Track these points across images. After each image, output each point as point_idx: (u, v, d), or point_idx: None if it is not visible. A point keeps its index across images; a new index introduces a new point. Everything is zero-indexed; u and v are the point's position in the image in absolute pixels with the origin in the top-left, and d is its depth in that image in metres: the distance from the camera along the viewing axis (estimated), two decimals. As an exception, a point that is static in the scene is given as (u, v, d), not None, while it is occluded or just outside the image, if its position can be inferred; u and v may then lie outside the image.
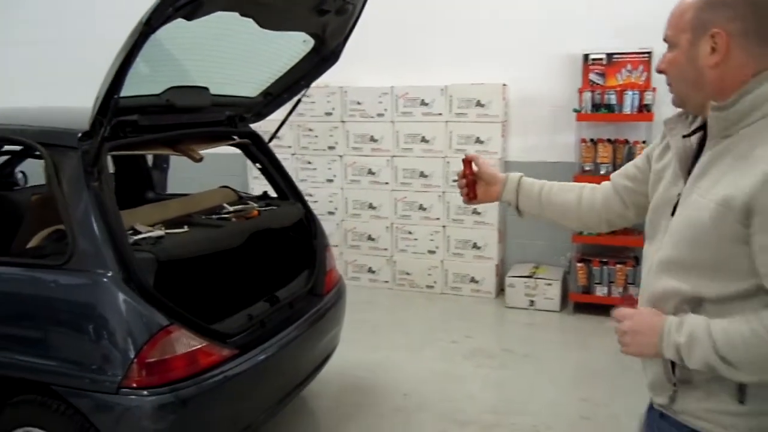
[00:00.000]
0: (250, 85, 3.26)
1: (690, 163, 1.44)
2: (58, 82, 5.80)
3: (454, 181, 1.87)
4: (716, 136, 1.37)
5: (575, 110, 4.96)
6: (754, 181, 1.25)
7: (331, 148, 5.70)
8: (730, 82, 1.33)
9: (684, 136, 1.47)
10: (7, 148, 3.89)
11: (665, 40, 1.45)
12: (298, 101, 3.47)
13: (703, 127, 1.43)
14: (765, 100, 1.31)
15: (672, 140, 1.50)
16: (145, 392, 2.29)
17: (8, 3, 6.83)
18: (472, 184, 1.85)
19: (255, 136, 3.43)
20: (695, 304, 1.36)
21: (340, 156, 5.69)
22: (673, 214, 1.44)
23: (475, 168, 1.84)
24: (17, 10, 6.78)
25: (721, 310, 1.33)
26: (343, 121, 5.62)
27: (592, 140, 5.00)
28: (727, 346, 1.28)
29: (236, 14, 2.62)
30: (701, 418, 1.40)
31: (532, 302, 5.16)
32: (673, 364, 1.40)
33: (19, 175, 4.22)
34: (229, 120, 3.25)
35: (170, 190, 4.10)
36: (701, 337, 1.30)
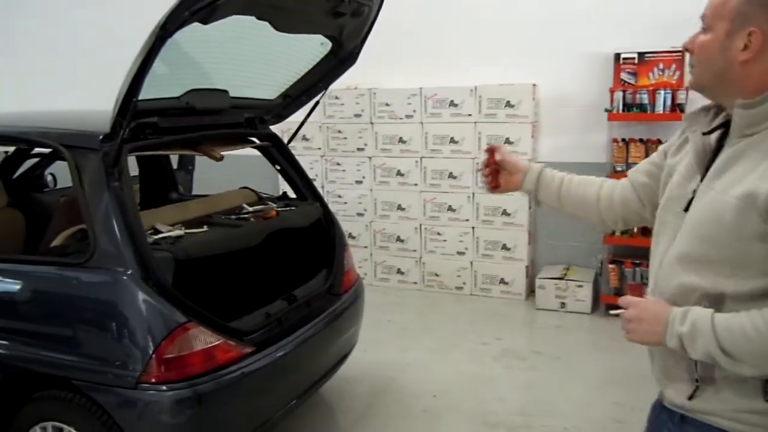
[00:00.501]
0: (268, 87, 3.31)
1: (708, 159, 1.43)
2: (80, 86, 5.97)
3: (479, 170, 1.91)
4: (739, 134, 1.37)
5: (607, 110, 4.88)
6: None
7: (360, 149, 5.74)
8: (755, 82, 1.33)
9: (704, 133, 1.45)
10: (36, 151, 4.02)
11: (702, 18, 1.41)
12: (317, 103, 3.50)
13: (723, 125, 1.42)
14: None
15: (691, 136, 1.49)
16: (164, 387, 2.34)
17: (29, 10, 7.06)
18: (495, 173, 1.87)
19: (274, 138, 3.48)
20: (716, 300, 1.35)
21: (369, 157, 5.71)
22: (686, 209, 1.43)
23: (498, 157, 1.85)
24: (33, 17, 7.00)
25: (741, 308, 1.31)
26: (372, 123, 5.65)
27: (623, 140, 4.91)
28: (729, 338, 1.28)
29: (252, 18, 2.67)
30: (723, 417, 1.39)
31: (562, 304, 5.10)
32: (695, 361, 1.39)
33: (49, 177, 4.35)
34: (248, 122, 3.30)
35: (201, 191, 4.17)
36: (704, 329, 1.31)
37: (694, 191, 1.42)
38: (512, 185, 1.87)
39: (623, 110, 4.82)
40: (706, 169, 1.42)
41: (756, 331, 1.26)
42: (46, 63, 6.88)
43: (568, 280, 5.11)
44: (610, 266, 4.92)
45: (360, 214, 5.81)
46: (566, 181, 1.81)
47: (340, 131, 5.78)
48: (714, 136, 1.44)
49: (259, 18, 2.69)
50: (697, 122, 1.48)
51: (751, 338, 1.27)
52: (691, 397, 1.43)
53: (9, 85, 6.74)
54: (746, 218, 1.28)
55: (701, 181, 1.42)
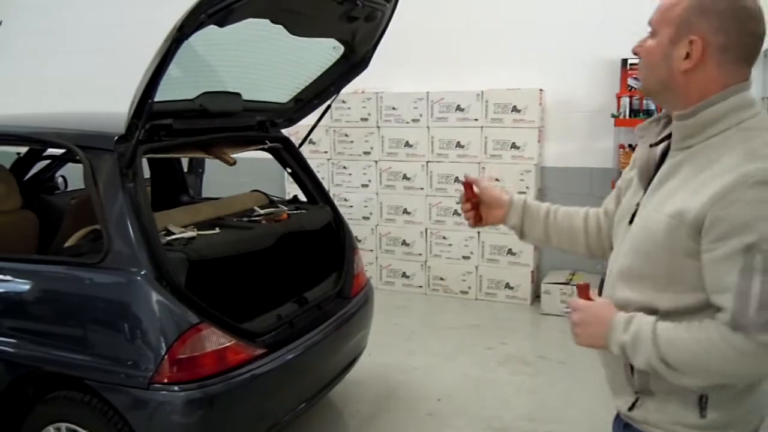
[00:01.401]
0: (281, 90, 3.33)
1: (651, 173, 1.41)
2: (96, 88, 6.00)
3: (458, 203, 1.81)
4: (677, 146, 1.35)
5: (613, 115, 4.90)
6: (706, 196, 1.23)
7: (366, 153, 5.75)
8: (697, 92, 1.31)
9: (651, 145, 1.43)
10: (48, 152, 4.04)
11: (649, 23, 1.39)
12: (328, 107, 3.52)
13: (668, 137, 1.40)
14: (727, 113, 1.28)
15: (640, 147, 1.47)
16: (176, 388, 2.35)
17: (46, 14, 7.09)
18: (476, 207, 1.76)
19: (286, 141, 3.49)
20: (649, 314, 1.34)
21: (376, 161, 5.73)
22: (630, 223, 1.42)
23: (476, 190, 1.75)
24: (55, 21, 7.03)
25: (674, 322, 1.31)
26: (378, 127, 5.67)
27: (630, 146, 4.92)
28: (670, 349, 1.27)
29: (267, 21, 2.69)
30: (664, 429, 1.39)
31: (568, 309, 5.09)
32: (632, 369, 1.39)
33: (60, 180, 4.37)
34: (260, 125, 3.32)
35: (211, 194, 4.19)
36: (645, 338, 1.29)
37: (638, 204, 1.41)
38: (495, 219, 1.77)
39: (630, 116, 4.84)
40: (649, 182, 1.40)
41: (697, 344, 1.25)
42: (50, 64, 6.92)
43: (573, 285, 5.12)
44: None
45: (366, 218, 5.83)
46: (551, 215, 1.73)
47: (346, 135, 5.80)
48: (660, 148, 1.42)
49: (273, 21, 2.71)
50: (648, 133, 1.45)
51: (692, 350, 1.26)
52: (631, 408, 1.44)
53: (9, 87, 6.78)
54: (676, 236, 1.27)
55: (644, 194, 1.40)
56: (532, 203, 1.75)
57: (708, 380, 1.29)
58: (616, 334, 1.34)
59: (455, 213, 5.51)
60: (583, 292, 1.45)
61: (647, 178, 1.42)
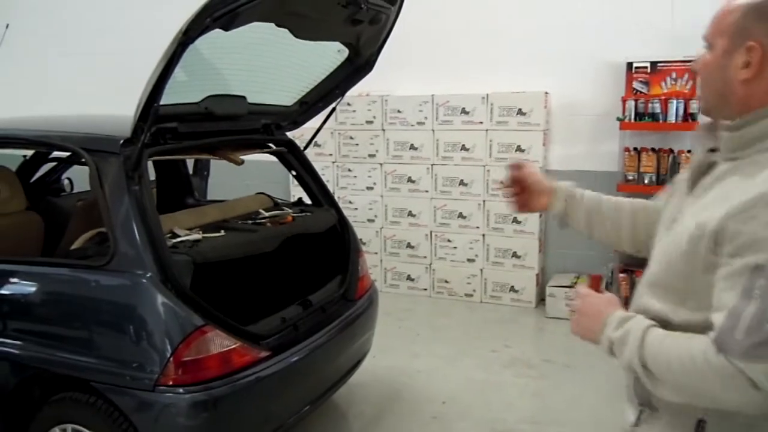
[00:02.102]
0: (285, 93, 3.34)
1: (700, 177, 1.35)
2: (101, 91, 6.03)
3: (496, 190, 1.77)
4: (723, 157, 1.28)
5: (618, 119, 4.89)
6: (725, 209, 1.18)
7: (371, 156, 5.76)
8: (757, 103, 1.23)
9: (710, 150, 1.35)
10: (54, 155, 4.06)
11: (704, 38, 1.33)
12: (333, 110, 3.53)
13: None
14: None
15: (698, 150, 1.40)
16: (181, 390, 2.36)
17: (49, 16, 7.13)
18: (520, 193, 1.73)
19: (291, 144, 3.50)
20: (663, 326, 1.28)
21: (381, 164, 5.74)
22: (667, 229, 1.38)
23: (522, 174, 1.71)
24: (58, 23, 7.07)
25: None
26: (383, 129, 5.67)
27: (635, 149, 4.92)
28: (653, 355, 1.23)
29: (272, 24, 2.70)
30: None
31: (573, 313, 5.08)
32: (636, 380, 1.34)
33: (66, 182, 4.39)
34: (265, 128, 3.33)
35: (216, 196, 4.20)
36: (633, 339, 1.25)
37: (680, 210, 1.36)
38: (538, 206, 1.72)
39: (635, 119, 4.83)
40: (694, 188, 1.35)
41: (678, 355, 1.20)
42: (54, 66, 6.96)
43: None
44: (621, 275, 4.92)
45: (371, 221, 5.83)
46: (596, 205, 1.68)
47: (351, 137, 5.81)
48: (716, 155, 1.33)
49: (278, 25, 2.72)
50: (708, 136, 1.37)
51: (672, 361, 1.20)
52: (636, 421, 1.40)
53: (13, 89, 6.81)
54: (697, 247, 1.22)
55: (687, 200, 1.35)
56: (578, 191, 1.70)
57: (684, 396, 1.24)
58: (607, 330, 1.30)
59: (460, 215, 5.52)
60: (595, 282, 1.43)
61: (694, 183, 1.35)
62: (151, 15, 6.17)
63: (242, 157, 3.11)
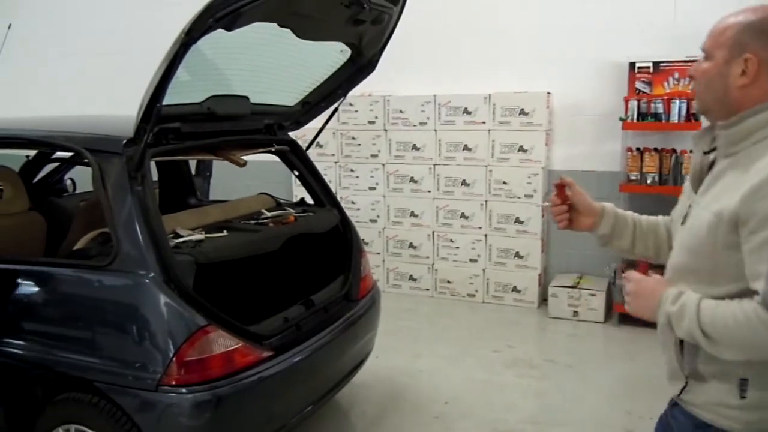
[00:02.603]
0: (288, 94, 3.34)
1: (702, 178, 1.57)
2: (104, 91, 6.04)
3: (546, 205, 1.88)
4: (723, 153, 1.51)
5: (621, 119, 4.89)
6: (739, 195, 1.39)
7: (373, 156, 5.76)
8: (750, 105, 1.46)
9: (704, 153, 1.58)
10: (56, 155, 4.06)
11: (702, 49, 1.54)
12: (335, 110, 3.53)
13: None
14: (767, 122, 1.44)
15: (694, 154, 1.63)
16: (183, 390, 2.36)
17: (51, 17, 7.14)
18: (567, 210, 1.83)
19: (293, 144, 3.50)
20: None
21: (383, 164, 5.74)
22: (683, 223, 1.60)
23: (569, 193, 1.82)
24: (60, 23, 7.07)
25: None
26: (385, 130, 5.68)
27: (638, 149, 4.91)
28: (710, 322, 1.41)
29: (274, 25, 2.70)
30: (706, 410, 1.53)
31: (575, 313, 5.10)
32: (682, 355, 1.54)
33: (68, 182, 4.39)
34: (267, 128, 3.33)
35: (218, 197, 4.21)
36: (690, 310, 1.44)
37: (689, 207, 1.59)
38: (584, 226, 1.84)
39: (638, 119, 4.82)
40: (700, 186, 1.57)
41: (733, 318, 1.39)
42: (56, 67, 6.97)
43: (581, 288, 5.11)
44: (624, 275, 4.90)
45: (373, 221, 5.83)
46: (638, 225, 1.83)
47: (353, 138, 5.81)
48: (713, 155, 1.56)
49: (281, 25, 2.73)
50: (702, 141, 1.60)
51: (728, 323, 1.39)
52: (681, 392, 1.58)
53: (15, 90, 6.82)
54: (717, 231, 1.43)
55: (695, 197, 1.58)
56: (621, 213, 1.85)
57: (741, 353, 1.42)
58: (665, 306, 1.49)
59: (462, 215, 5.52)
60: (642, 267, 1.58)
61: (698, 182, 1.58)
62: (152, 15, 6.18)
63: (245, 157, 3.11)
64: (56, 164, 4.27)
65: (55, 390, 2.58)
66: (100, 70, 6.70)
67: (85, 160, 2.59)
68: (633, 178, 4.88)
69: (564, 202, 1.82)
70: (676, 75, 4.83)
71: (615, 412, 3.64)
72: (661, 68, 4.87)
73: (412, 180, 5.65)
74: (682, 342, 1.52)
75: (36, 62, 7.10)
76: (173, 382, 2.36)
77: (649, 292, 1.54)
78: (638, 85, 4.94)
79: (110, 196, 2.49)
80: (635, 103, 4.82)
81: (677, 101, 4.70)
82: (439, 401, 3.77)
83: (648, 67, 4.91)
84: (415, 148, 5.60)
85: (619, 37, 5.07)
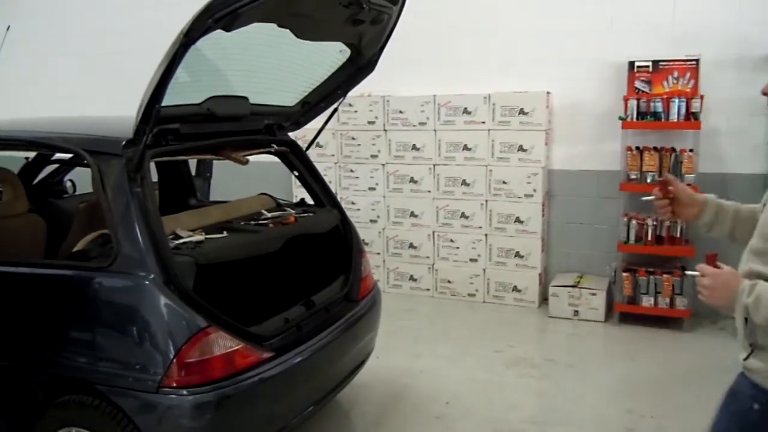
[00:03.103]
0: (288, 94, 3.33)
1: None
2: (103, 92, 6.04)
3: (651, 199, 2.07)
4: None
5: (621, 118, 4.89)
6: None
7: (373, 156, 5.76)
8: None
9: None
10: (56, 157, 4.05)
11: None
12: (335, 110, 3.52)
13: None
14: None
15: None
16: (184, 391, 2.36)
17: (50, 18, 7.14)
18: (671, 203, 2.03)
19: (293, 145, 3.50)
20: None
21: (383, 164, 5.74)
22: (762, 210, 1.77)
23: (672, 188, 2.02)
24: (59, 24, 7.08)
25: None
26: (385, 130, 5.67)
27: (637, 148, 4.91)
28: None
29: (274, 25, 2.70)
30: (761, 376, 1.69)
31: (576, 312, 5.09)
32: (747, 328, 1.69)
33: (68, 184, 4.38)
34: (267, 129, 3.33)
35: (218, 197, 4.20)
36: (764, 300, 1.58)
37: None
38: (688, 216, 2.04)
39: (637, 118, 4.83)
40: None
41: None
42: (54, 67, 6.97)
43: (581, 288, 5.11)
44: (624, 274, 4.91)
45: (373, 221, 5.83)
46: (737, 215, 1.98)
47: (353, 138, 5.80)
48: None
49: (280, 26, 2.72)
50: None
51: None
52: (746, 358, 1.73)
53: (14, 91, 6.82)
54: None
55: None
56: (723, 202, 2.01)
57: None
58: (741, 298, 1.62)
59: (463, 215, 5.51)
60: (711, 260, 1.74)
61: None
62: (152, 16, 6.18)
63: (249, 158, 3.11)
64: (56, 166, 4.26)
65: (56, 392, 2.58)
66: (99, 70, 6.70)
67: (85, 162, 2.58)
68: (633, 176, 4.88)
69: (666, 196, 2.02)
70: (675, 74, 4.83)
71: (616, 412, 3.64)
72: (661, 67, 4.87)
73: (412, 180, 5.65)
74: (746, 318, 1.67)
75: (36, 62, 7.10)
76: (174, 384, 2.35)
77: (724, 285, 1.67)
78: (637, 84, 4.94)
79: (110, 198, 2.49)
80: (635, 102, 4.82)
81: (676, 100, 4.70)
82: (440, 401, 3.77)
83: (647, 67, 4.91)
84: (414, 148, 5.60)
85: (618, 37, 5.07)
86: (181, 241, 2.64)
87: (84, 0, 6.96)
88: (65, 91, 6.67)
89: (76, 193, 4.37)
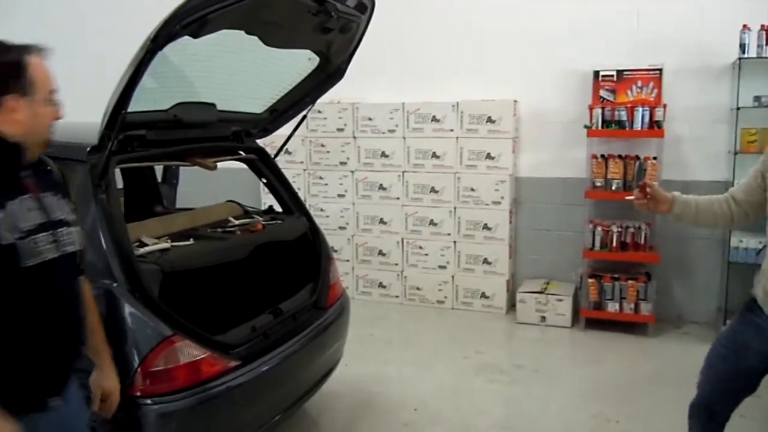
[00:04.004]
0: (256, 101, 3.33)
1: None
2: (68, 97, 5.92)
3: (630, 199, 2.61)
4: None
5: (586, 126, 4.97)
6: None
7: (342, 163, 5.76)
8: None
9: None
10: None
11: None
12: (304, 117, 3.52)
13: None
14: None
15: None
16: (149, 401, 2.33)
17: (22, 17, 7.01)
18: (646, 200, 2.53)
19: (261, 152, 3.49)
20: None
21: (352, 171, 5.74)
22: None
23: (649, 191, 2.51)
24: (31, 26, 6.94)
25: None
26: (354, 137, 5.68)
27: (602, 156, 4.99)
28: None
29: (242, 32, 2.69)
30: None
31: (543, 318, 5.15)
32: None
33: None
34: (235, 135, 3.31)
35: (185, 204, 4.16)
36: None
37: None
38: (661, 210, 2.55)
39: (602, 127, 4.91)
40: None
41: None
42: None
43: (548, 294, 5.16)
44: (590, 280, 4.98)
45: (342, 228, 5.82)
46: (698, 206, 2.51)
47: (322, 145, 5.80)
48: None
49: (248, 33, 2.71)
50: None
51: None
52: None
53: None
54: None
55: None
56: (686, 198, 2.54)
57: None
58: None
59: (431, 223, 5.54)
60: (643, 188, 2.40)
61: None
62: (124, 20, 6.09)
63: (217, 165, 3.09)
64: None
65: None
66: (67, 76, 6.57)
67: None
68: (598, 184, 4.95)
69: (645, 197, 2.52)
70: (639, 83, 4.93)
71: (582, 416, 3.68)
72: (625, 77, 4.97)
73: (381, 187, 5.66)
74: None
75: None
76: (138, 393, 2.32)
77: None
78: (602, 93, 5.03)
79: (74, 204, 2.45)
80: (599, 110, 4.90)
81: (640, 109, 4.79)
82: (408, 408, 3.77)
83: (612, 76, 5.00)
84: (384, 155, 5.61)
85: (583, 46, 5.16)
86: (147, 248, 2.62)
87: (49, 5, 6.85)
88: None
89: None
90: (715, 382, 2.50)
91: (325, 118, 5.70)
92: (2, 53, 1.59)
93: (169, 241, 2.74)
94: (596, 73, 5.03)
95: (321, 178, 5.85)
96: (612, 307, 4.93)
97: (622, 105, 4.89)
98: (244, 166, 3.55)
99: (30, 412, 1.63)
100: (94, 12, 6.57)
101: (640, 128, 4.81)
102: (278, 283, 3.29)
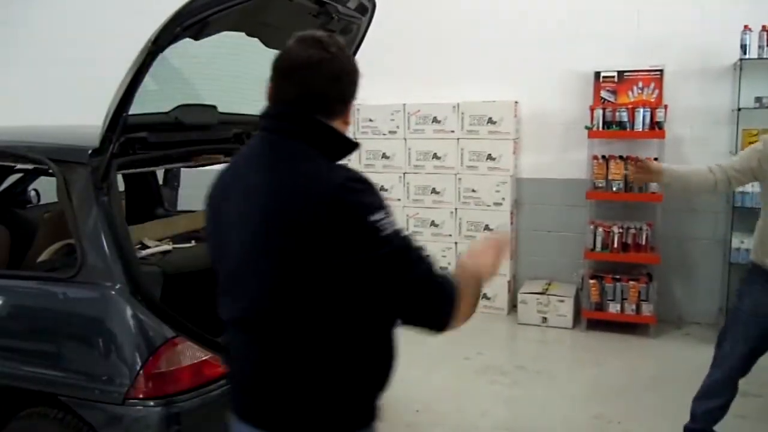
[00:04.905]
0: (257, 103, 3.30)
1: None
2: (70, 101, 5.94)
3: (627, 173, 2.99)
4: None
5: (587, 127, 4.98)
6: None
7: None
8: None
9: None
10: (20, 166, 3.97)
11: None
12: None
13: None
14: None
15: None
16: (151, 403, 2.31)
17: (25, 21, 7.03)
18: (642, 174, 3.13)
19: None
20: None
21: (353, 173, 5.73)
22: None
23: (639, 164, 3.10)
24: (34, 29, 6.97)
25: None
26: (355, 138, 5.65)
27: (603, 157, 5.00)
28: None
29: (242, 34, 2.69)
30: None
31: (544, 319, 5.15)
32: None
33: (32, 193, 4.30)
34: (236, 137, 3.31)
35: (186, 207, 4.16)
36: None
37: None
38: (654, 180, 3.36)
39: (603, 128, 4.92)
40: None
41: None
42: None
43: (549, 295, 5.17)
44: (591, 281, 4.98)
45: (343, 229, 5.81)
46: (686, 174, 3.12)
47: (323, 146, 5.79)
48: None
49: (249, 35, 2.72)
50: None
51: None
52: None
53: (42, 95, 6.67)
54: None
55: None
56: (673, 168, 3.13)
57: None
58: None
59: (432, 224, 5.55)
60: (635, 161, 2.72)
61: None
62: (129, 22, 6.09)
63: (213, 167, 3.08)
64: (20, 175, 4.18)
65: (19, 405, 2.52)
66: (68, 79, 6.59)
67: (50, 171, 2.54)
68: (599, 185, 4.96)
69: (639, 172, 3.09)
70: (640, 84, 4.93)
71: (584, 417, 3.69)
72: (626, 78, 4.97)
73: (382, 188, 5.59)
74: None
75: (3, 71, 6.96)
76: (141, 395, 2.31)
77: None
78: (603, 94, 5.03)
79: (75, 207, 2.44)
80: (600, 111, 4.91)
81: (641, 110, 4.80)
82: (410, 409, 3.77)
83: (613, 77, 5.01)
84: (384, 156, 5.62)
85: (584, 47, 5.16)
86: (149, 251, 2.62)
87: (51, 8, 6.86)
88: (35, 99, 6.55)
89: (41, 202, 4.29)
90: (744, 348, 2.89)
91: (326, 120, 5.70)
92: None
93: (170, 243, 2.74)
94: (597, 74, 5.04)
95: (322, 179, 5.84)
96: (613, 308, 4.94)
97: (623, 106, 4.90)
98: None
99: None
100: (95, 14, 6.57)
101: (641, 129, 4.82)
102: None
